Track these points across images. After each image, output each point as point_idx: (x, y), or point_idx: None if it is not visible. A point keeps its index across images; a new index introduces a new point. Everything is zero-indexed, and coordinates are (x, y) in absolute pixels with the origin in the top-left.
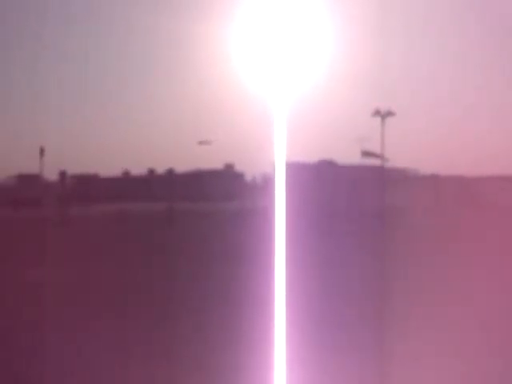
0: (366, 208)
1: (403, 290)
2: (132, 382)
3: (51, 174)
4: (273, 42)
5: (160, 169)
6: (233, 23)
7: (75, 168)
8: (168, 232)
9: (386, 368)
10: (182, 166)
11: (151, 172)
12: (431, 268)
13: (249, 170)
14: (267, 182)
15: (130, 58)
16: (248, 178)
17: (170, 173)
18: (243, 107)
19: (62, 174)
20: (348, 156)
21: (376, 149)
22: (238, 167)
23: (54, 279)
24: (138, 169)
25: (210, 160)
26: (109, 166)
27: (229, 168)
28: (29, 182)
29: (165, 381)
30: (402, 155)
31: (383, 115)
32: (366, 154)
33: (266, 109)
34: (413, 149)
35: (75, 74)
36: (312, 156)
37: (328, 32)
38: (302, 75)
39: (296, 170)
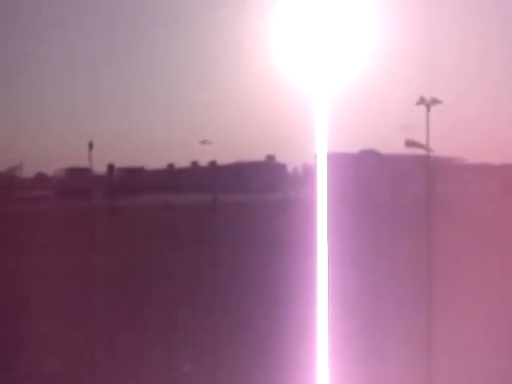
0: (410, 198)
1: (450, 282)
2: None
3: (100, 167)
4: (315, 31)
5: (203, 161)
6: (273, 11)
7: (122, 161)
8: (212, 222)
9: (433, 363)
10: (225, 158)
11: (194, 164)
12: (479, 260)
13: (290, 161)
14: (309, 173)
15: (172, 54)
16: (290, 169)
17: (213, 165)
18: (284, 98)
19: (110, 167)
20: (392, 145)
21: (421, 138)
22: (280, 159)
23: (105, 265)
24: (181, 161)
25: (252, 152)
26: (154, 159)
27: (270, 159)
28: (79, 175)
29: (208, 368)
30: (448, 144)
31: (428, 103)
32: (411, 143)
33: (308, 99)
34: (460, 138)
35: (120, 73)
36: (355, 146)
37: (372, 19)
38: (344, 64)
39: (338, 161)
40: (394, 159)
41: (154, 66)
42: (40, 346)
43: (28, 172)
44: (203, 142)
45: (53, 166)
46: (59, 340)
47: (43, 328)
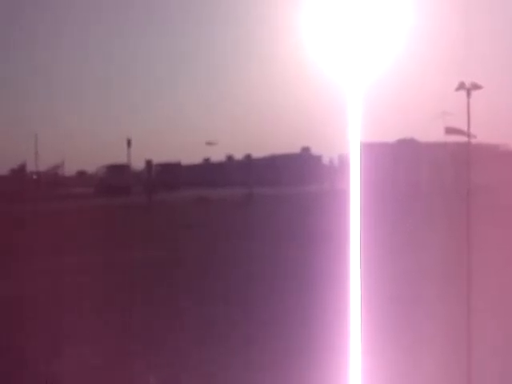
0: (449, 188)
1: (491, 275)
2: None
3: (138, 164)
4: (348, 18)
5: (238, 155)
6: (304, 1)
7: (160, 157)
8: (247, 216)
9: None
10: (259, 151)
11: (229, 158)
12: None
13: (326, 152)
14: (345, 165)
15: (205, 46)
16: (325, 160)
17: (248, 158)
18: (318, 88)
19: (148, 163)
20: (430, 133)
21: (461, 125)
22: (315, 150)
23: (143, 258)
24: (217, 156)
25: (286, 144)
26: (190, 154)
27: (305, 151)
28: (118, 172)
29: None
30: (490, 131)
31: (469, 89)
32: (451, 130)
33: (343, 89)
34: (503, 123)
35: (153, 70)
36: (392, 135)
37: (408, 5)
38: (379, 52)
39: (374, 151)
40: (433, 147)
41: (188, 60)
42: (82, 338)
43: (69, 170)
44: (238, 136)
45: (93, 164)
46: (101, 333)
47: (86, 321)
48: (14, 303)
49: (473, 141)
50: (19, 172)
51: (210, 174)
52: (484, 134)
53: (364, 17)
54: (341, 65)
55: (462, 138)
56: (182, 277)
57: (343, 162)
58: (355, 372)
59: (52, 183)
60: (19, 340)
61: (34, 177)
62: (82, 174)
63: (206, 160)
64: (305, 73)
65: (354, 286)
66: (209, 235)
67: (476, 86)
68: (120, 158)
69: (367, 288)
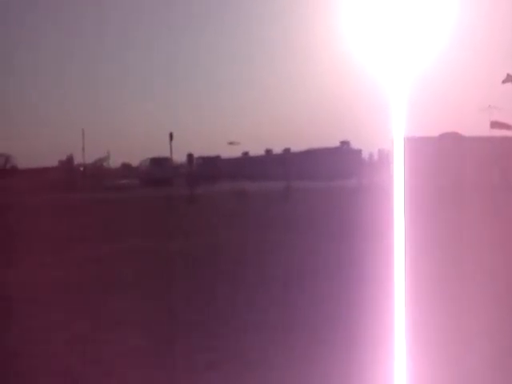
0: (495, 182)
1: None
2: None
3: (180, 157)
4: (390, 10)
5: (277, 149)
6: None
7: (200, 151)
8: (286, 209)
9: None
10: (298, 145)
11: (268, 152)
12: None
13: (365, 147)
14: (385, 159)
15: (247, 46)
16: (365, 155)
17: (287, 152)
18: (359, 81)
19: (190, 157)
20: (475, 127)
21: (508, 119)
22: (355, 144)
23: (184, 249)
24: (256, 149)
25: (327, 138)
26: (229, 148)
27: (345, 145)
28: (161, 164)
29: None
30: None
31: None
32: (496, 124)
33: (384, 82)
34: None
35: (192, 63)
36: (435, 129)
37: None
38: (423, 45)
39: (416, 145)
40: (478, 142)
41: (227, 57)
42: (122, 323)
43: (114, 163)
44: (279, 130)
45: (137, 157)
46: (140, 319)
47: (127, 307)
48: (62, 289)
49: None
50: (67, 164)
51: (249, 167)
52: None
53: (408, 9)
54: (383, 58)
55: (508, 132)
56: (223, 266)
57: (383, 157)
58: (401, 361)
59: (98, 175)
60: (67, 321)
61: (81, 169)
62: (126, 167)
63: (245, 154)
64: (345, 67)
65: (397, 281)
66: (249, 226)
67: None
68: (162, 152)
69: (411, 283)
